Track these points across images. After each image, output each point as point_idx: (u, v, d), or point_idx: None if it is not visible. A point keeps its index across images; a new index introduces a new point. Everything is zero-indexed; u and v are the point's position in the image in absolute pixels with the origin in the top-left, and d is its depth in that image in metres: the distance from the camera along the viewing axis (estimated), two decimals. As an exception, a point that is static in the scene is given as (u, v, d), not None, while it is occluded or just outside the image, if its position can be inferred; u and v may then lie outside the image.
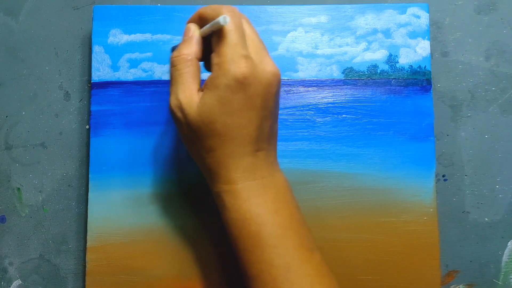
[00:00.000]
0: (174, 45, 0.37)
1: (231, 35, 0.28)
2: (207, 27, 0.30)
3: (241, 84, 0.28)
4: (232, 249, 0.30)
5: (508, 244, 0.38)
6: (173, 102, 0.30)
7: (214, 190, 0.30)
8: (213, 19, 0.29)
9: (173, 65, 0.30)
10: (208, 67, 0.33)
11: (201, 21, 0.31)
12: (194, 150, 0.31)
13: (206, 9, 0.30)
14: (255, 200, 0.29)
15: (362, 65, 0.39)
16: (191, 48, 0.30)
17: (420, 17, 0.39)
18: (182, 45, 0.31)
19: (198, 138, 0.29)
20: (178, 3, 0.40)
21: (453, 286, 0.38)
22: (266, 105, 0.29)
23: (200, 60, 0.31)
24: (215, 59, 0.29)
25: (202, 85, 0.30)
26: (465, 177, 0.39)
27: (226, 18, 0.28)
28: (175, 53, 0.30)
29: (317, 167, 0.38)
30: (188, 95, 0.29)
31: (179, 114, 0.29)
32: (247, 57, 0.28)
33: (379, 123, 0.38)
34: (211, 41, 0.30)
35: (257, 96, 0.28)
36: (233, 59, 0.28)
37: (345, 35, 0.39)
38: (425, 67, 0.38)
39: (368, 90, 0.38)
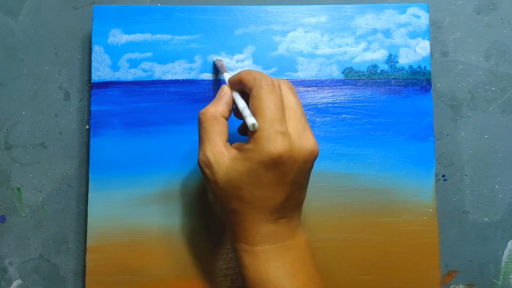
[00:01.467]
0: (217, 58, 0.38)
1: (269, 110, 0.28)
2: (239, 104, 0.30)
3: (275, 162, 0.27)
4: None
5: (508, 244, 0.38)
6: (201, 158, 0.30)
7: (234, 246, 0.31)
8: (251, 87, 0.29)
9: (200, 123, 0.30)
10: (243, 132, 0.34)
11: (240, 85, 0.31)
12: (218, 205, 0.31)
13: (247, 76, 0.30)
14: (274, 262, 0.29)
15: (362, 65, 0.39)
16: (219, 107, 0.30)
17: (420, 17, 0.39)
18: (211, 103, 0.31)
19: (224, 197, 0.29)
20: (178, 3, 0.40)
21: (453, 286, 0.38)
22: (297, 180, 0.29)
23: (228, 118, 0.31)
24: (252, 131, 0.28)
25: (237, 146, 0.29)
26: (465, 177, 0.39)
27: (255, 125, 0.27)
28: (203, 110, 0.30)
29: (317, 167, 0.37)
30: (216, 153, 0.29)
31: (207, 171, 0.29)
32: (285, 134, 0.27)
33: (379, 123, 0.38)
34: (250, 106, 0.29)
35: (290, 173, 0.28)
36: (270, 136, 0.27)
37: (345, 35, 0.39)
38: (425, 67, 0.38)
39: (368, 90, 0.38)
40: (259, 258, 0.29)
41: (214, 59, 0.38)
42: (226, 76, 0.33)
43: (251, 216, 0.29)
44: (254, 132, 0.28)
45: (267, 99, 0.28)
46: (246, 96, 0.31)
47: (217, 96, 0.31)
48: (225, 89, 0.31)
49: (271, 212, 0.29)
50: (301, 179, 0.29)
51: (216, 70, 0.38)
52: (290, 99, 0.30)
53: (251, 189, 0.28)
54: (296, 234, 0.30)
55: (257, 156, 0.27)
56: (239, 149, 0.29)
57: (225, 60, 0.38)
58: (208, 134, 0.30)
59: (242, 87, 0.31)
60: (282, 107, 0.28)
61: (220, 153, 0.29)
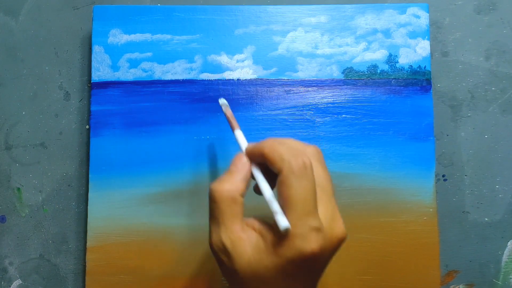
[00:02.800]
0: (223, 102, 0.33)
1: (301, 203, 0.25)
2: (265, 193, 0.26)
3: (307, 260, 0.25)
4: None
5: (508, 244, 0.38)
6: (215, 243, 0.26)
7: None
8: (279, 169, 0.26)
9: (213, 201, 0.27)
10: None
11: (262, 159, 0.27)
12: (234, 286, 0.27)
13: (273, 154, 0.26)
14: None
15: (362, 65, 0.39)
16: (236, 185, 0.27)
17: (420, 17, 0.39)
18: (226, 177, 0.27)
19: (241, 284, 0.26)
20: (178, 3, 0.40)
21: (453, 286, 0.38)
22: (325, 266, 0.27)
23: (244, 196, 0.27)
24: (280, 220, 0.25)
25: (258, 228, 0.27)
26: (465, 177, 0.39)
27: (288, 229, 0.25)
28: (217, 187, 0.27)
29: (317, 167, 0.37)
30: (234, 240, 0.26)
31: (223, 257, 0.26)
32: (319, 230, 0.25)
33: (379, 123, 0.38)
34: (277, 192, 0.26)
35: (320, 263, 0.26)
36: (303, 234, 0.24)
37: (345, 35, 0.39)
38: (425, 67, 0.38)
39: (368, 90, 0.38)
40: None
41: (220, 102, 0.33)
42: (240, 137, 0.30)
43: None
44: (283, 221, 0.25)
45: (299, 188, 0.25)
46: (264, 165, 0.27)
47: (232, 166, 0.28)
48: (243, 160, 0.28)
49: None
50: (328, 263, 0.27)
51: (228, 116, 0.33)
52: (320, 175, 0.27)
53: (278, 282, 0.25)
54: None
55: (287, 254, 0.24)
56: (261, 234, 0.26)
57: (225, 60, 0.38)
58: (224, 217, 0.26)
59: (264, 162, 0.27)
60: (315, 194, 0.25)
61: (239, 239, 0.26)
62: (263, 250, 0.25)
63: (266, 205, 0.26)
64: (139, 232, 0.37)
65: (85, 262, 0.37)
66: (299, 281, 0.26)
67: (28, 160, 0.39)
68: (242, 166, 0.28)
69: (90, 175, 0.37)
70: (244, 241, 0.26)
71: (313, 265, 0.25)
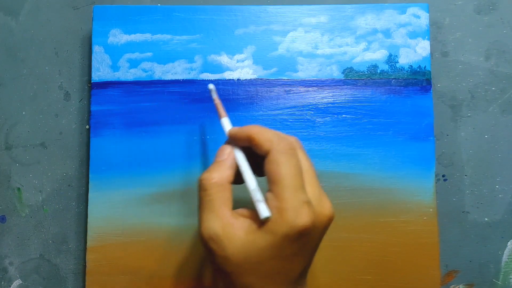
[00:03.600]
0: (212, 89, 0.33)
1: (290, 178, 0.26)
2: (249, 183, 0.27)
3: (301, 234, 0.25)
4: None
5: (508, 244, 0.38)
6: (206, 232, 0.26)
7: None
8: (267, 150, 0.27)
9: (202, 189, 0.27)
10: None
11: (248, 142, 0.28)
12: (227, 280, 0.27)
13: (261, 137, 0.27)
14: None
15: (362, 65, 0.39)
16: (224, 173, 0.28)
17: (420, 17, 0.39)
18: (214, 168, 0.28)
19: (236, 272, 0.26)
20: (178, 3, 0.40)
21: (453, 286, 0.38)
22: (316, 246, 0.28)
23: (232, 182, 0.28)
24: (272, 200, 0.26)
25: (248, 215, 0.27)
26: (465, 177, 0.39)
27: (268, 218, 0.25)
28: (205, 175, 0.28)
29: (317, 167, 0.37)
30: (224, 226, 0.26)
31: (213, 245, 0.26)
32: (309, 204, 0.26)
33: (379, 123, 0.38)
34: (265, 171, 0.27)
35: (313, 242, 0.27)
36: (295, 207, 0.25)
37: (345, 35, 0.39)
38: (425, 67, 0.38)
39: (368, 90, 0.38)
40: None
41: (210, 87, 0.33)
42: (226, 123, 0.31)
43: None
44: (274, 200, 0.26)
45: (287, 165, 0.26)
46: (247, 150, 0.29)
47: (217, 157, 0.29)
48: (227, 151, 0.29)
49: (289, 282, 0.27)
50: (318, 244, 0.28)
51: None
52: (303, 160, 0.28)
53: (272, 263, 0.26)
54: None
55: (282, 229, 0.25)
56: (252, 219, 0.27)
57: (225, 60, 0.38)
58: (213, 203, 0.27)
59: (249, 145, 0.28)
60: (302, 174, 0.27)
61: (230, 225, 0.26)
62: (256, 230, 0.26)
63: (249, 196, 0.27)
64: (139, 232, 0.37)
65: (85, 262, 0.37)
66: (292, 261, 0.26)
67: (28, 160, 0.39)
68: (227, 155, 0.29)
69: (90, 175, 0.37)
70: (235, 226, 0.26)
71: (306, 241, 0.26)
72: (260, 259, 0.26)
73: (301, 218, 0.25)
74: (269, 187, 0.27)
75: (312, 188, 0.27)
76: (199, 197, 0.28)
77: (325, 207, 0.27)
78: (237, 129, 0.29)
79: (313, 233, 0.26)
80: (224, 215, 0.27)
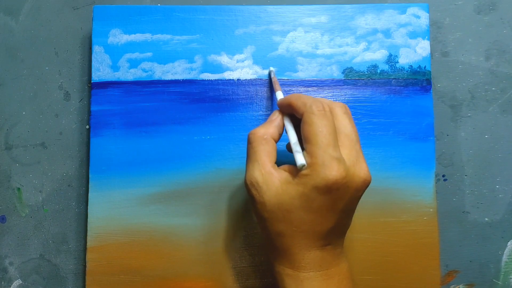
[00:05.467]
0: (272, 69, 0.38)
1: (322, 136, 0.27)
2: (291, 138, 0.30)
3: (330, 188, 0.27)
4: None
5: (508, 244, 0.38)
6: (248, 179, 0.29)
7: (276, 269, 0.30)
8: (302, 112, 0.29)
9: (249, 142, 0.30)
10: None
11: (289, 109, 0.30)
12: (263, 226, 0.30)
13: (297, 101, 0.30)
14: None
15: (362, 65, 0.39)
16: (269, 129, 0.30)
17: (420, 17, 0.39)
18: (262, 125, 0.31)
19: (270, 219, 0.29)
20: (178, 3, 0.40)
21: (453, 286, 0.38)
22: (347, 208, 0.29)
23: (277, 141, 0.31)
24: (306, 157, 0.28)
25: (287, 169, 0.29)
26: (465, 177, 0.39)
27: (304, 166, 0.27)
28: (252, 130, 0.30)
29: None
30: (265, 174, 0.29)
31: (254, 191, 0.29)
32: (340, 160, 0.27)
33: (379, 123, 0.38)
34: (302, 132, 0.29)
35: (342, 199, 0.28)
36: (325, 162, 0.27)
37: (345, 35, 0.39)
38: (425, 67, 0.38)
39: (368, 90, 0.38)
40: (303, 284, 0.29)
41: (270, 69, 0.38)
42: (279, 95, 0.33)
43: (297, 240, 0.28)
44: (308, 156, 0.28)
45: (319, 125, 0.28)
46: (295, 119, 0.31)
47: (268, 119, 0.31)
48: (276, 114, 0.31)
49: (318, 238, 0.28)
50: (350, 207, 0.29)
51: (270, 81, 0.38)
52: (345, 125, 0.29)
53: (301, 213, 0.28)
54: (340, 262, 0.30)
55: (311, 182, 0.27)
56: (290, 172, 0.29)
57: (225, 60, 0.38)
58: (257, 154, 0.29)
59: (291, 111, 0.30)
60: (334, 133, 0.28)
61: (269, 174, 0.29)
62: (291, 181, 0.28)
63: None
64: (139, 232, 0.37)
65: (85, 262, 0.37)
66: (321, 215, 0.28)
67: (28, 160, 0.39)
68: (275, 117, 0.31)
69: (90, 175, 0.37)
70: (274, 175, 0.29)
71: (336, 197, 0.27)
72: (291, 207, 0.28)
73: (330, 171, 0.27)
74: (304, 146, 0.29)
75: (349, 151, 0.29)
76: (247, 150, 0.30)
77: (361, 170, 0.28)
78: (282, 98, 0.32)
79: (344, 190, 0.27)
80: (266, 165, 0.29)
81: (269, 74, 0.38)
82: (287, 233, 0.28)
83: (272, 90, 0.38)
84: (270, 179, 0.28)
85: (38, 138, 0.39)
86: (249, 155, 0.30)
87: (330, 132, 0.28)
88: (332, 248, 0.30)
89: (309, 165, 0.27)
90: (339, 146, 0.28)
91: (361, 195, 0.29)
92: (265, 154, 0.29)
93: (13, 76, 0.40)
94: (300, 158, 0.28)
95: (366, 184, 0.29)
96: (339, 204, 0.28)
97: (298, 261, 0.29)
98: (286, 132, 0.31)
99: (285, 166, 0.30)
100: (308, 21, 0.39)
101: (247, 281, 0.37)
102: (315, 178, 0.27)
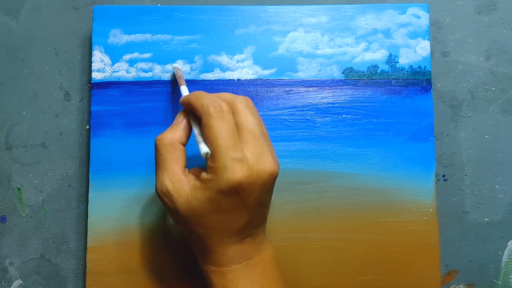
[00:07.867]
0: (177, 66, 0.38)
1: (221, 139, 0.27)
2: (194, 130, 0.30)
3: (235, 189, 0.27)
4: None
5: (508, 244, 0.39)
6: (159, 188, 0.29)
7: (202, 267, 0.31)
8: (201, 115, 0.29)
9: (156, 149, 0.30)
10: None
11: (191, 108, 0.30)
12: (182, 230, 0.30)
13: (196, 103, 0.29)
14: (242, 281, 0.29)
15: (362, 65, 0.39)
16: (176, 133, 0.30)
17: (420, 17, 0.39)
18: (168, 129, 0.30)
19: (186, 224, 0.29)
20: (178, 3, 0.40)
21: (453, 286, 0.38)
22: (258, 201, 0.29)
23: (185, 144, 0.31)
24: (209, 161, 0.28)
25: (196, 173, 0.29)
26: (465, 177, 0.39)
27: (208, 154, 0.28)
28: (159, 136, 0.30)
29: (317, 167, 0.38)
30: (174, 182, 0.29)
31: (166, 200, 0.29)
32: (242, 160, 0.27)
33: (379, 123, 0.38)
34: (202, 135, 0.29)
35: (250, 196, 0.28)
36: (226, 165, 0.27)
37: (345, 35, 0.39)
38: (425, 67, 0.38)
39: (368, 90, 0.38)
40: (227, 278, 0.29)
41: (174, 65, 0.38)
42: (184, 91, 0.33)
43: (215, 240, 0.29)
44: (210, 160, 0.28)
45: (217, 127, 0.28)
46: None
47: (174, 121, 0.31)
48: (182, 117, 0.31)
49: (235, 234, 0.29)
50: (262, 199, 0.29)
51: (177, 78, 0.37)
52: (247, 119, 0.29)
53: (213, 216, 0.28)
54: (262, 250, 0.31)
55: (216, 186, 0.27)
56: (198, 176, 0.29)
57: (225, 60, 0.38)
58: (166, 162, 0.29)
59: (192, 109, 0.30)
60: (234, 132, 0.28)
61: (179, 181, 0.29)
62: (198, 187, 0.28)
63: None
64: (139, 232, 0.37)
65: (85, 262, 0.37)
66: (232, 214, 0.28)
67: (28, 160, 0.39)
68: (181, 119, 0.31)
69: (90, 175, 0.37)
70: (183, 182, 0.29)
71: (243, 196, 0.28)
72: (203, 212, 0.28)
73: (232, 174, 0.27)
74: (207, 144, 0.29)
75: (253, 147, 0.28)
76: (155, 157, 0.30)
77: (265, 164, 0.28)
78: (183, 97, 0.31)
79: (251, 188, 0.28)
80: (175, 172, 0.29)
81: (174, 70, 0.37)
82: (204, 235, 0.29)
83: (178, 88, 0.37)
84: (180, 187, 0.28)
85: (38, 138, 0.39)
86: (158, 163, 0.30)
87: (229, 133, 0.28)
88: (252, 239, 0.30)
89: (213, 169, 0.27)
90: (241, 145, 0.28)
91: (272, 187, 0.30)
92: (174, 161, 0.29)
93: (13, 76, 0.40)
94: (203, 147, 0.28)
95: (273, 176, 0.29)
96: (248, 201, 0.28)
97: (220, 258, 0.29)
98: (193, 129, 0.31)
99: (194, 169, 0.30)
100: (308, 21, 0.39)
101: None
102: (219, 182, 0.27)
